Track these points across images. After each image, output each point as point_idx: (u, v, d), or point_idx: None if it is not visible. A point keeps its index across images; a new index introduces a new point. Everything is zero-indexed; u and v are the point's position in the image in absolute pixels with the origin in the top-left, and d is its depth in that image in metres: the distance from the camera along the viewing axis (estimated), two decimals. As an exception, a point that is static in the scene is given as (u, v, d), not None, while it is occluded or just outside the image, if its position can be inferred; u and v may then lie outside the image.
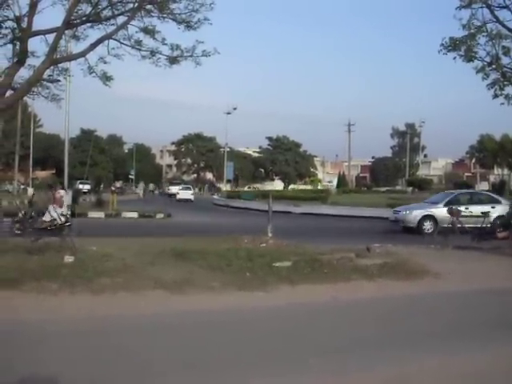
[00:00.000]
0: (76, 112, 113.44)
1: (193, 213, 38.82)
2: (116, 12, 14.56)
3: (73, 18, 14.07)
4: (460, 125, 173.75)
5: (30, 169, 73.03)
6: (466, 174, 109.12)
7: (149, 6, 14.61)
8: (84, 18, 14.53)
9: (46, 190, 27.46)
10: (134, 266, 10.78)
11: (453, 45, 18.04)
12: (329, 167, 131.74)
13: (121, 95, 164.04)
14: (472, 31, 17.93)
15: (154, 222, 29.73)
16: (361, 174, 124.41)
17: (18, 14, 13.66)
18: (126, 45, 14.84)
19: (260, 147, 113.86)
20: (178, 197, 64.96)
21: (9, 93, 13.76)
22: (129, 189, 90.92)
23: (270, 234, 16.72)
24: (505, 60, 18.30)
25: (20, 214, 14.80)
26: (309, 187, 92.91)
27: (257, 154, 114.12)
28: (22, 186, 67.11)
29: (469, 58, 18.16)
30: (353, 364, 6.14)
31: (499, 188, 53.64)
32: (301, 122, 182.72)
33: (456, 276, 11.87)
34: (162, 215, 32.75)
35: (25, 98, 18.73)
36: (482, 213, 19.14)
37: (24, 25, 13.53)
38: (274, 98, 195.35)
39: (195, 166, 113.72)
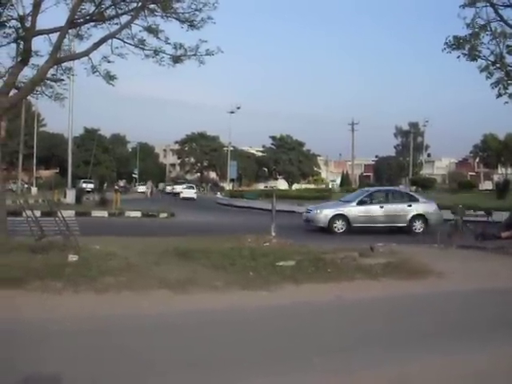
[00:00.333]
0: (79, 111, 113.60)
1: (196, 212, 38.85)
2: (119, 11, 14.59)
3: (76, 17, 14.10)
4: (464, 124, 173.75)
5: (34, 168, 73.18)
6: (470, 173, 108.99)
7: (152, 6, 14.63)
8: (87, 18, 14.56)
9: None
10: (138, 266, 10.78)
11: (457, 43, 18.02)
12: (332, 166, 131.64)
13: (124, 94, 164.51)
14: (476, 30, 17.90)
15: (157, 222, 29.74)
16: (364, 173, 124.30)
17: (21, 13, 13.70)
18: (130, 44, 14.87)
19: (263, 146, 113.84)
20: (182, 195, 69.64)
21: (13, 92, 13.79)
22: (132, 188, 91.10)
23: (273, 233, 16.71)
24: (509, 59, 18.28)
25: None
26: (312, 186, 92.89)
27: (260, 153, 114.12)
28: (26, 185, 67.23)
29: (473, 56, 18.13)
30: (356, 363, 6.14)
31: (503, 187, 53.34)
32: (304, 121, 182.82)
33: (459, 275, 11.85)
34: (165, 214, 32.77)
35: (28, 97, 18.71)
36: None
37: (28, 24, 13.55)
38: (277, 97, 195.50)
39: (198, 165, 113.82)
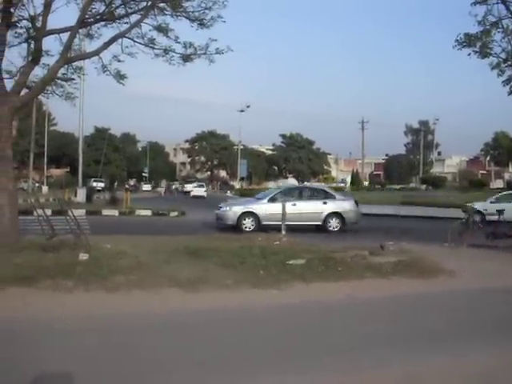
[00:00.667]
0: (90, 110, 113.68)
1: (206, 211, 38.77)
2: (129, 10, 14.61)
3: (87, 16, 14.13)
4: (474, 122, 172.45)
5: (45, 167, 73.48)
6: (481, 171, 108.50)
7: (162, 4, 14.65)
8: (98, 17, 14.60)
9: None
10: (149, 264, 10.81)
11: (468, 41, 17.96)
12: (342, 165, 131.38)
13: (134, 93, 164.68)
14: (487, 27, 17.83)
15: (167, 220, 29.79)
16: (374, 172, 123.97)
17: (32, 13, 13.76)
18: (140, 43, 14.89)
19: (273, 145, 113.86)
20: (192, 194, 72.76)
21: (24, 91, 13.84)
22: (141, 186, 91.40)
23: (283, 232, 16.72)
24: (521, 56, 18.18)
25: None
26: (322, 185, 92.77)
27: (270, 152, 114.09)
28: (37, 184, 67.55)
29: (484, 54, 18.05)
30: (366, 362, 6.13)
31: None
32: (314, 120, 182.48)
33: (470, 274, 11.81)
34: (175, 213, 32.82)
35: (39, 96, 18.79)
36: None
37: (39, 24, 13.60)
38: (287, 96, 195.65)
39: (209, 163, 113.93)
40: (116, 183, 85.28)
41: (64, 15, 14.84)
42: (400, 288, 10.44)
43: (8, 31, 13.59)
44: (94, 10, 14.51)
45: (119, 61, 15.15)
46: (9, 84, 13.62)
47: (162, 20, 14.88)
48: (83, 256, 10.89)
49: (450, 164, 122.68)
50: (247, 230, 21.50)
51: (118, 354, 6.23)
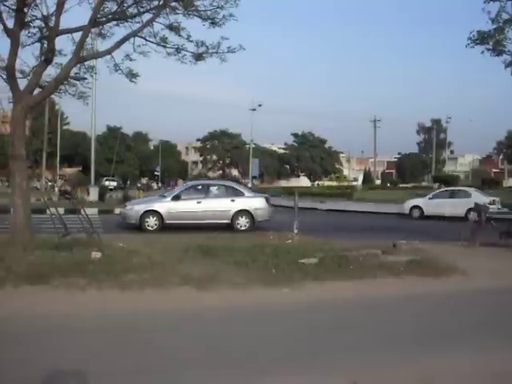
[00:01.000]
0: (102, 109, 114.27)
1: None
2: (141, 9, 14.62)
3: (99, 16, 14.16)
4: (487, 120, 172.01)
5: (58, 166, 73.81)
6: (494, 170, 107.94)
7: (174, 3, 14.63)
8: (110, 16, 14.62)
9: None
10: (161, 263, 10.84)
11: (481, 38, 17.81)
12: (354, 163, 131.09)
13: (146, 92, 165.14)
14: (501, 24, 17.68)
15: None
16: (386, 171, 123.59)
17: (45, 13, 13.80)
18: (152, 42, 14.89)
19: (285, 144, 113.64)
20: None
21: (37, 91, 13.90)
22: (153, 185, 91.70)
23: (295, 231, 16.71)
24: (534, 54, 18.02)
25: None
26: (335, 184, 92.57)
27: (282, 151, 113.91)
28: (50, 183, 67.86)
29: (497, 51, 17.91)
30: (379, 362, 6.11)
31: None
32: (326, 119, 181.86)
33: (483, 273, 11.75)
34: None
35: (52, 95, 18.87)
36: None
37: (51, 24, 13.65)
38: (299, 95, 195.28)
39: (220, 162, 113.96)
40: (128, 182, 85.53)
41: (76, 15, 14.90)
42: (412, 287, 10.40)
43: (21, 31, 13.65)
44: (106, 10, 14.54)
45: (131, 60, 15.16)
46: (22, 83, 13.69)
47: (174, 19, 14.87)
48: (96, 254, 10.94)
49: (462, 163, 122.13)
50: (150, 229, 20.58)
51: (130, 351, 6.26)
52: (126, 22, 14.75)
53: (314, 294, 9.58)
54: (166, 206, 21.14)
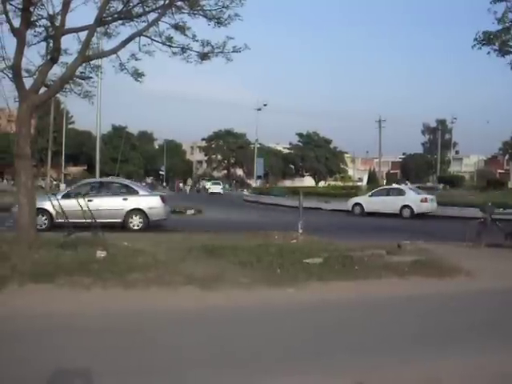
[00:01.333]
0: (107, 109, 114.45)
1: (223, 209, 38.92)
2: (147, 9, 14.62)
3: (105, 15, 14.17)
4: (493, 121, 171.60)
5: (63, 165, 73.99)
6: (499, 170, 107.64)
7: (179, 3, 14.64)
8: (115, 16, 14.63)
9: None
10: (166, 262, 10.85)
11: (487, 39, 17.75)
12: (359, 164, 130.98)
13: (151, 92, 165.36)
14: (507, 25, 17.61)
15: (184, 218, 29.86)
16: (391, 171, 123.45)
17: (51, 12, 13.82)
18: (157, 41, 14.90)
19: (290, 143, 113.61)
20: (210, 191, 78.48)
21: (42, 90, 13.92)
22: (159, 185, 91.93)
23: (300, 231, 16.69)
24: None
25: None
26: (339, 184, 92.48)
27: (287, 151, 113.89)
28: (55, 182, 68.04)
29: (503, 52, 17.84)
30: (383, 362, 6.10)
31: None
32: (331, 119, 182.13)
33: (488, 274, 11.72)
34: (192, 211, 32.88)
35: (58, 95, 18.88)
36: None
37: (57, 23, 13.67)
38: (304, 95, 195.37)
39: (225, 162, 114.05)
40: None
41: (82, 14, 14.92)
42: (417, 288, 10.38)
43: (27, 30, 13.68)
44: (111, 9, 14.55)
45: (137, 59, 15.18)
46: (28, 83, 13.71)
47: (180, 18, 14.87)
48: (101, 253, 10.96)
49: (467, 163, 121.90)
50: (38, 228, 18.17)
51: (134, 351, 6.26)
52: (132, 21, 14.77)
53: (319, 294, 9.57)
54: (54, 205, 19.56)
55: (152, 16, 14.62)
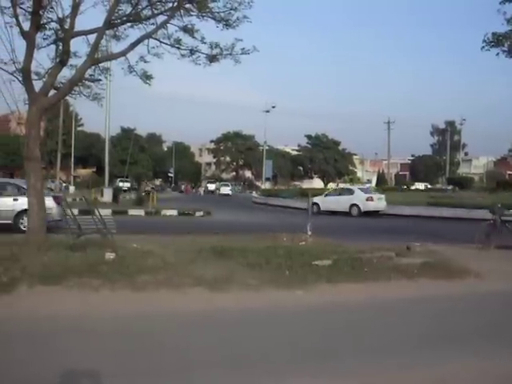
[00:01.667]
0: (116, 111, 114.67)
1: (232, 211, 38.94)
2: (156, 11, 14.65)
3: (113, 18, 14.22)
4: (502, 122, 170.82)
5: (72, 167, 74.26)
6: (509, 172, 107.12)
7: (188, 5, 14.65)
8: (124, 18, 14.67)
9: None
10: (175, 264, 10.85)
11: (496, 40, 17.69)
12: (368, 165, 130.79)
13: (160, 94, 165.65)
14: (516, 26, 17.55)
15: (193, 220, 29.92)
16: (400, 172, 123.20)
17: (61, 15, 13.86)
18: (166, 44, 14.92)
19: (299, 145, 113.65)
20: (219, 192, 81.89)
21: (52, 92, 13.98)
22: (167, 187, 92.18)
23: (309, 232, 16.68)
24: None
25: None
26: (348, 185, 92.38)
27: (296, 153, 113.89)
28: (64, 184, 68.27)
29: (513, 53, 17.78)
30: (393, 365, 6.09)
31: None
32: (340, 120, 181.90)
33: (497, 276, 11.67)
34: (201, 213, 32.94)
35: (67, 97, 18.94)
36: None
37: (67, 26, 13.73)
38: (313, 97, 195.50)
39: (234, 164, 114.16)
40: (145, 183, 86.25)
41: (91, 17, 14.97)
42: (426, 290, 10.36)
43: (37, 33, 13.74)
44: (120, 12, 14.59)
45: (145, 61, 15.20)
46: (37, 85, 13.77)
47: (188, 21, 14.88)
48: (110, 255, 10.97)
49: (477, 165, 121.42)
50: None
51: (143, 352, 6.27)
52: (141, 23, 14.80)
53: (328, 296, 9.55)
54: None
55: (161, 18, 14.66)
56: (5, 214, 20.09)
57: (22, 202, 18.67)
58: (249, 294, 9.34)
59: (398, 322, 8.15)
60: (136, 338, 6.82)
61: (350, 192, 36.97)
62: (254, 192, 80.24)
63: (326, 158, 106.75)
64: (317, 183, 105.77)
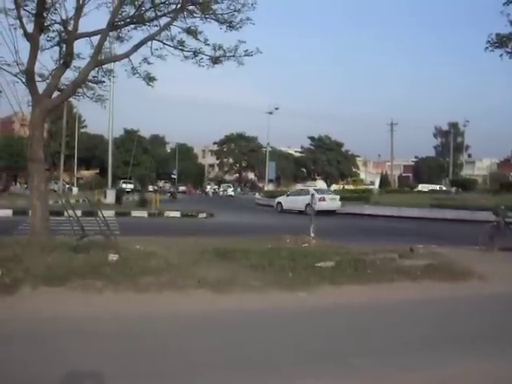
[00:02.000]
0: (119, 112, 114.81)
1: (235, 212, 38.96)
2: (159, 13, 14.65)
3: (117, 19, 14.23)
4: (506, 124, 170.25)
5: (75, 168, 74.37)
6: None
7: (191, 7, 14.66)
8: (128, 20, 14.68)
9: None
10: (178, 265, 10.84)
11: (499, 41, 17.67)
12: (371, 167, 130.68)
13: (163, 96, 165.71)
14: (520, 27, 17.52)
15: (196, 222, 29.92)
16: (403, 174, 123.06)
17: (64, 17, 13.88)
18: (169, 45, 14.93)
19: (302, 147, 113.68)
20: (222, 194, 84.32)
21: (55, 94, 14.00)
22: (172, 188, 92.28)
23: (312, 234, 16.67)
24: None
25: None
26: (351, 187, 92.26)
27: (299, 154, 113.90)
28: (67, 186, 68.40)
29: (517, 55, 17.75)
30: (395, 366, 6.09)
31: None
32: (343, 122, 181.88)
33: (501, 278, 11.63)
34: (204, 215, 32.95)
35: (70, 99, 18.96)
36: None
37: (70, 28, 13.75)
38: (315, 98, 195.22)
39: (237, 165, 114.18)
40: (150, 185, 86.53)
41: (95, 19, 14.98)
42: (429, 292, 10.34)
43: (41, 35, 13.76)
44: (124, 13, 14.60)
45: (149, 63, 15.21)
46: (41, 87, 13.79)
47: (192, 22, 14.88)
48: (113, 257, 10.97)
49: (480, 166, 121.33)
50: None
51: (146, 354, 6.27)
52: (144, 25, 14.81)
53: (331, 297, 9.55)
54: None
55: (164, 20, 14.67)
56: None
57: None
58: (252, 296, 9.33)
59: (401, 324, 8.14)
60: (139, 340, 6.83)
61: (306, 192, 38.79)
62: (256, 193, 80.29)
63: (329, 159, 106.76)
64: (320, 185, 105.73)
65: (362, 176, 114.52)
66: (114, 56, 15.81)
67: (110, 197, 40.65)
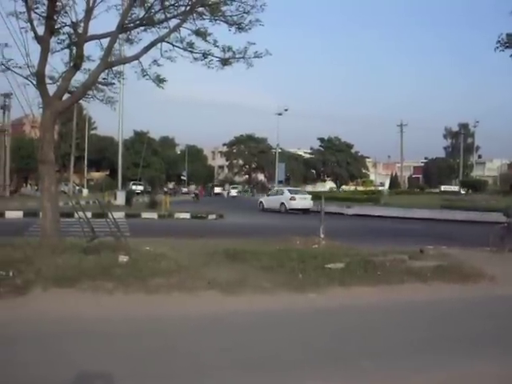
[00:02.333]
0: (129, 114, 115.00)
1: (244, 214, 38.95)
2: (168, 15, 14.69)
3: (126, 22, 14.28)
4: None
5: (85, 170, 74.61)
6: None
7: (201, 9, 14.69)
8: (137, 22, 14.72)
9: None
10: (188, 267, 10.86)
11: (510, 41, 17.61)
12: (381, 168, 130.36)
13: (173, 97, 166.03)
14: (530, 27, 17.47)
15: (206, 223, 29.95)
16: (413, 175, 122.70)
17: (74, 20, 13.95)
18: (179, 47, 14.95)
19: (311, 148, 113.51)
20: (229, 194, 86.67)
21: (66, 96, 14.06)
22: (180, 190, 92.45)
23: (322, 235, 16.66)
24: None
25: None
26: (361, 188, 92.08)
27: (308, 155, 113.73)
28: (77, 187, 68.63)
29: (527, 55, 17.69)
30: (405, 368, 6.07)
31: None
32: (353, 123, 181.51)
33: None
34: (214, 216, 32.97)
35: (80, 101, 19.06)
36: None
37: (80, 30, 13.82)
38: (325, 100, 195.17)
39: (247, 167, 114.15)
40: (163, 187, 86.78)
41: (105, 21, 15.04)
42: (439, 293, 10.32)
43: (51, 38, 13.84)
44: (133, 16, 14.66)
45: (158, 65, 15.24)
46: (51, 89, 13.86)
47: (201, 24, 14.91)
48: (123, 258, 11.00)
49: (490, 167, 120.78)
50: None
51: (156, 355, 6.29)
52: (153, 27, 14.85)
53: (340, 298, 9.54)
54: None
55: (173, 22, 14.71)
56: None
57: None
58: (262, 297, 9.34)
59: (411, 326, 8.12)
60: (149, 341, 6.85)
61: (281, 192, 44.38)
62: (265, 195, 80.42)
63: (338, 160, 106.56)
64: (329, 186, 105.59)
65: (372, 177, 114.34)
66: (123, 58, 15.87)
67: (120, 198, 40.74)
